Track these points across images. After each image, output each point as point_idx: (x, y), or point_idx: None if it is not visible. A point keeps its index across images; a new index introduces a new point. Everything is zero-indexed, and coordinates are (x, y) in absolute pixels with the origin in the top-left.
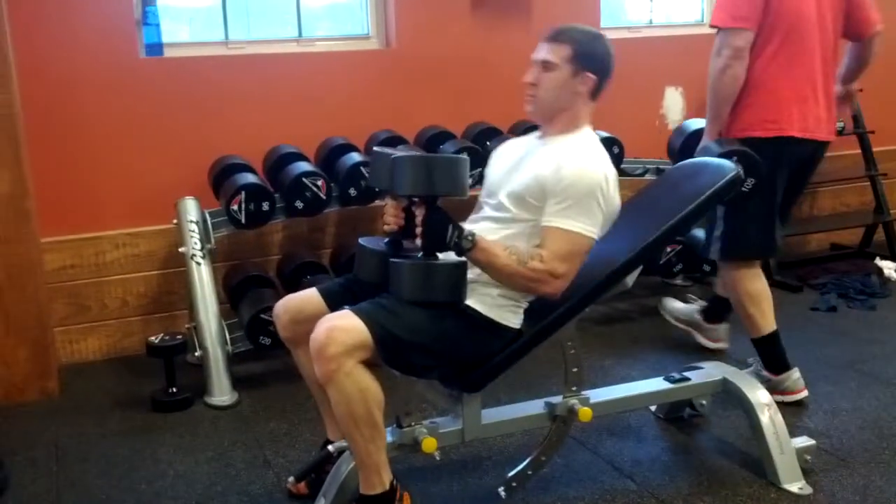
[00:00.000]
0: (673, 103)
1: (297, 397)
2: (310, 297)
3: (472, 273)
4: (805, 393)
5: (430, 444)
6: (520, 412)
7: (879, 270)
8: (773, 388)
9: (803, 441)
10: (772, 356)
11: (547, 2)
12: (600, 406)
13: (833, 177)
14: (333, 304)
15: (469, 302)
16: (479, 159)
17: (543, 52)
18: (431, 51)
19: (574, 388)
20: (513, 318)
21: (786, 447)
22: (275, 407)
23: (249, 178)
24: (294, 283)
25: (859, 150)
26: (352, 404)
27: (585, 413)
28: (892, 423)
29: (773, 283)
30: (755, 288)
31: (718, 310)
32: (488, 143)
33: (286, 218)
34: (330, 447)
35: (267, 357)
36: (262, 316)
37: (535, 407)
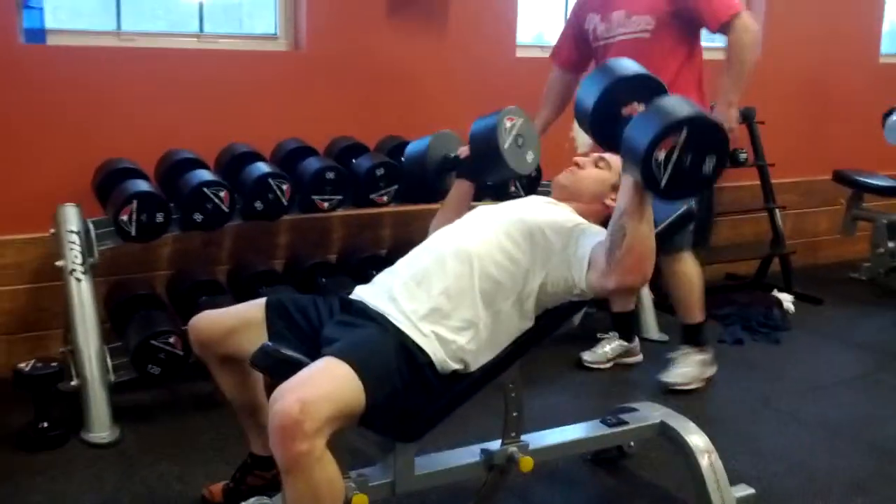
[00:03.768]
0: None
1: (189, 433)
2: (243, 312)
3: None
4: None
5: (361, 502)
6: (455, 460)
7: (779, 303)
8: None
9: (742, 490)
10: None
11: (464, 13)
12: (539, 453)
13: (731, 208)
14: (272, 327)
15: (429, 349)
16: (395, 174)
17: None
18: (343, 56)
19: (513, 434)
20: (466, 363)
21: (726, 496)
22: (164, 445)
23: (142, 185)
24: (188, 304)
25: (758, 182)
26: (318, 497)
27: (526, 462)
28: (818, 465)
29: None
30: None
31: (629, 325)
32: (403, 158)
33: (181, 231)
34: None
35: (152, 386)
36: (153, 342)
37: (470, 454)
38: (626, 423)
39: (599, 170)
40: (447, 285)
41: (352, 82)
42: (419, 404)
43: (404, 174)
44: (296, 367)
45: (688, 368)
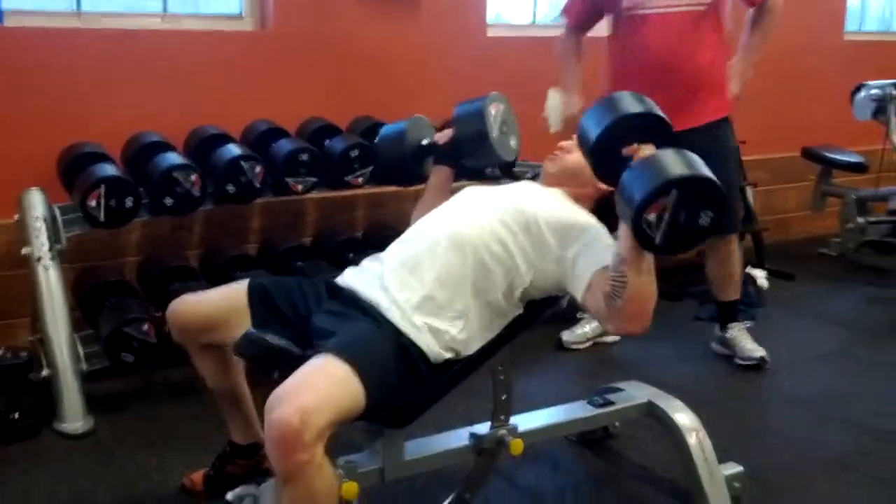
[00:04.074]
0: (555, 106)
1: (166, 422)
2: (224, 297)
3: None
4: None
5: (350, 490)
6: (444, 445)
7: (753, 280)
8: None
9: (731, 467)
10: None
11: None
12: (529, 435)
13: None
14: (256, 313)
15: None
16: (369, 156)
17: None
18: (311, 35)
19: (502, 417)
20: (457, 352)
21: (715, 474)
22: (140, 434)
23: (109, 169)
24: (159, 290)
25: None
26: None
27: (517, 445)
28: (807, 443)
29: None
30: None
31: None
32: (377, 143)
33: (151, 216)
34: (229, 496)
35: (125, 374)
36: (126, 330)
37: (460, 438)
38: (612, 403)
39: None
40: (439, 273)
41: (321, 62)
42: (411, 395)
43: (380, 161)
44: (281, 355)
45: (750, 343)
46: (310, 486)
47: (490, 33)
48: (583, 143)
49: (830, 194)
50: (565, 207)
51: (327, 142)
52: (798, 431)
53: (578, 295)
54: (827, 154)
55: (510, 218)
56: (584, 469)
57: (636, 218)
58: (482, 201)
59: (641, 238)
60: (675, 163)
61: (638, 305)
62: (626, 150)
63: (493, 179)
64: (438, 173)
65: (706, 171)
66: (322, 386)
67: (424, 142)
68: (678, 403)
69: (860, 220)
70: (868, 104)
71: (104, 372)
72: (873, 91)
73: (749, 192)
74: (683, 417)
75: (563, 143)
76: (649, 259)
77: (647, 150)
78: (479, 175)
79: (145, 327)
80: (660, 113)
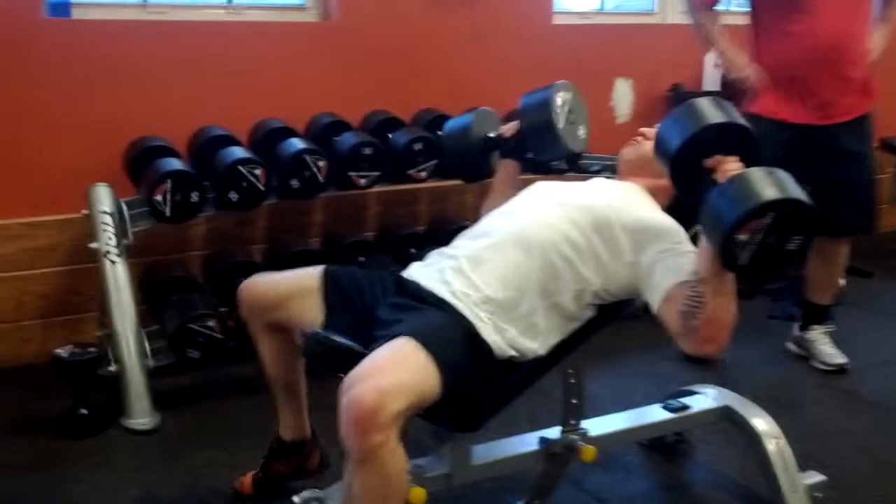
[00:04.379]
0: (622, 95)
1: (232, 418)
2: (298, 277)
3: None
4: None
5: (418, 496)
6: (513, 449)
7: None
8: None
9: (812, 476)
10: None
11: None
12: (601, 440)
13: None
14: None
15: (489, 336)
16: (433, 149)
17: None
18: (375, 27)
19: (573, 423)
20: (522, 352)
21: (797, 484)
22: (207, 431)
23: (175, 164)
24: (224, 285)
25: None
26: (389, 490)
27: (588, 452)
28: (885, 449)
29: None
30: None
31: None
32: (439, 132)
33: (217, 211)
34: (295, 499)
35: (191, 370)
36: (192, 326)
37: (528, 443)
38: (688, 407)
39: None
40: (504, 273)
41: (384, 53)
42: (479, 393)
43: (446, 155)
44: (347, 355)
45: (830, 348)
46: (382, 470)
47: (556, 21)
48: (662, 152)
49: None
50: (641, 206)
51: (391, 135)
52: (882, 438)
53: (654, 305)
54: None
55: (581, 217)
56: (655, 475)
57: (726, 239)
58: (553, 198)
59: (727, 259)
60: (770, 183)
61: (715, 327)
62: (708, 162)
63: (558, 173)
64: (505, 167)
65: (801, 194)
66: (399, 368)
67: (492, 134)
68: (756, 408)
69: None
70: None
71: (170, 368)
72: None
73: None
74: (762, 423)
75: (644, 130)
76: (730, 279)
77: (732, 163)
78: (545, 168)
79: (211, 323)
80: (744, 123)
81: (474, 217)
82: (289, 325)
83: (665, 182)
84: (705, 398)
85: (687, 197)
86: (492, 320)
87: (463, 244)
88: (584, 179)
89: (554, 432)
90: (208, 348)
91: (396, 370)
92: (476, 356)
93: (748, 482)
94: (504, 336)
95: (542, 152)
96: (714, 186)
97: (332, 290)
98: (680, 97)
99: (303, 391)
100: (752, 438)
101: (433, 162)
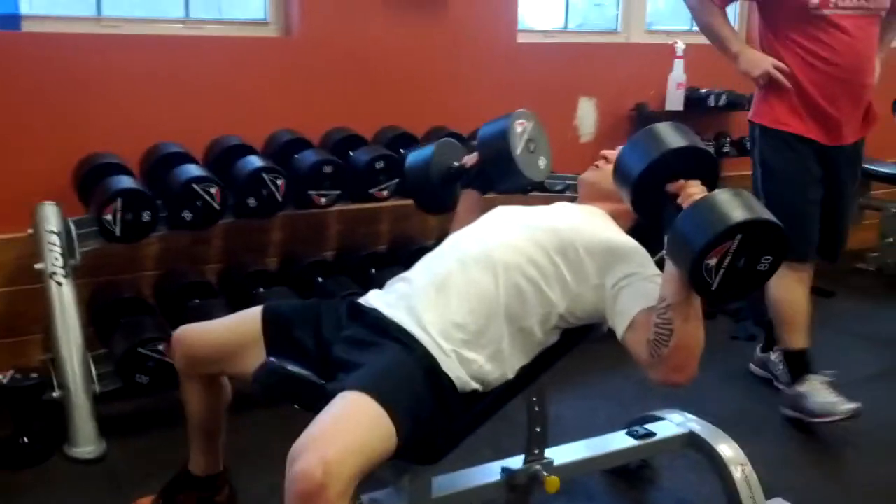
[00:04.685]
0: (586, 114)
1: (180, 447)
2: (236, 325)
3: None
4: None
5: None
6: (475, 481)
7: None
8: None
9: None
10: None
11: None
12: (565, 470)
13: None
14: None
15: (452, 372)
16: (395, 168)
17: None
18: (337, 43)
19: (536, 452)
20: (486, 383)
21: None
22: (155, 460)
23: (127, 182)
24: (177, 307)
25: None
26: None
27: (552, 483)
28: (852, 474)
29: None
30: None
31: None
32: (402, 150)
33: (169, 230)
34: None
35: (140, 396)
36: (141, 350)
37: (490, 474)
38: (653, 433)
39: None
40: (471, 296)
41: (345, 70)
42: (441, 428)
43: (409, 188)
44: (303, 385)
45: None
46: None
47: (520, 39)
48: (622, 178)
49: (869, 207)
50: (605, 229)
51: (352, 153)
52: (849, 462)
53: (619, 332)
54: (866, 166)
55: (546, 239)
56: (619, 502)
57: (696, 264)
58: (516, 221)
59: (698, 284)
60: (737, 205)
61: (684, 354)
62: (670, 187)
63: (523, 192)
64: (468, 198)
65: (769, 215)
66: (348, 431)
67: (455, 164)
68: (721, 434)
69: None
70: None
71: (117, 393)
72: None
73: None
74: (728, 450)
75: (606, 152)
76: (697, 304)
77: (694, 187)
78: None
79: (161, 347)
80: (704, 147)
81: (437, 237)
82: (230, 375)
83: (626, 206)
84: (670, 424)
85: (648, 222)
86: (456, 353)
87: (425, 268)
88: (548, 199)
89: (517, 461)
90: (158, 373)
91: (344, 434)
92: (437, 394)
93: None
94: (469, 368)
95: (502, 182)
96: (677, 211)
97: (274, 332)
98: (643, 116)
99: (222, 433)
100: (718, 465)
101: (395, 181)
